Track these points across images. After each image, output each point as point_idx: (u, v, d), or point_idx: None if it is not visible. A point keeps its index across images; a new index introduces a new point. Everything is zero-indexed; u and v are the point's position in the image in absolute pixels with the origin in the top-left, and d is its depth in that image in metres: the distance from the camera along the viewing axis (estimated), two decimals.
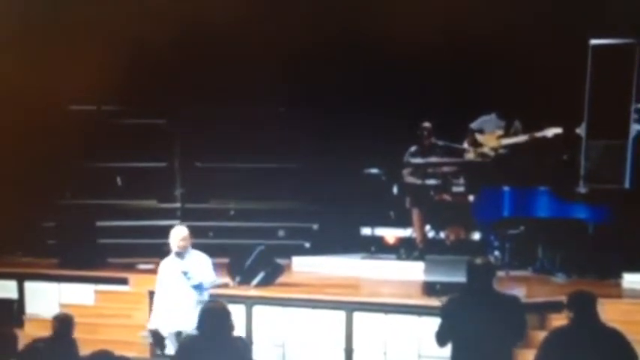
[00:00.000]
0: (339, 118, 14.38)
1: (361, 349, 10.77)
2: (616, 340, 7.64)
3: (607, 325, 7.75)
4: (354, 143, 13.99)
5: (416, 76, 13.93)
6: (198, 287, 10.10)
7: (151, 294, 11.48)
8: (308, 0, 14.04)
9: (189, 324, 9.63)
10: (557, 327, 7.99)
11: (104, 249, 13.75)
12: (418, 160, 13.34)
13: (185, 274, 10.05)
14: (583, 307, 7.72)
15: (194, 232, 15.14)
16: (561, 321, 10.13)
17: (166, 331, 10.08)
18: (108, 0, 14.22)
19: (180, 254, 10.16)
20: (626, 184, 12.35)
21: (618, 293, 11.40)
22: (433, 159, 13.32)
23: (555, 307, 10.51)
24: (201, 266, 10.15)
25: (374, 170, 13.69)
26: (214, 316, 7.42)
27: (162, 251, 14.74)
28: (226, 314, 7.44)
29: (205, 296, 10.09)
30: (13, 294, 13.14)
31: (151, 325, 10.26)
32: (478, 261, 8.10)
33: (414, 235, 13.45)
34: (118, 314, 12.32)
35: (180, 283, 10.11)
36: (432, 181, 13.29)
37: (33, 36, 13.98)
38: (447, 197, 13.29)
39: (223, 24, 13.60)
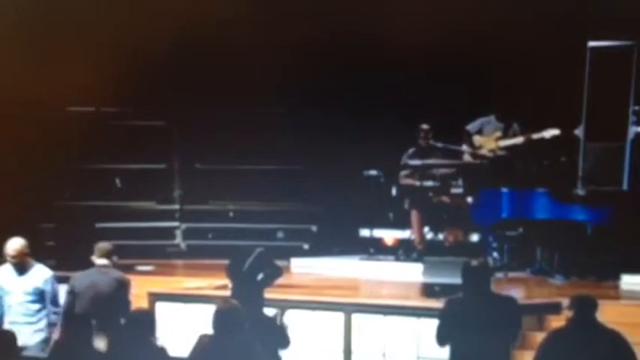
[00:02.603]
0: (338, 120, 14.39)
1: (360, 351, 10.78)
2: (614, 341, 7.66)
3: (606, 326, 7.77)
4: (353, 145, 14.01)
5: (415, 77, 13.95)
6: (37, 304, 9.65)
7: (150, 296, 11.51)
8: (308, 1, 14.06)
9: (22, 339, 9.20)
10: (555, 328, 8.01)
11: None
12: (416, 162, 13.36)
13: (26, 292, 9.61)
14: (582, 309, 7.75)
15: (193, 234, 15.32)
16: (560, 322, 10.18)
17: None
18: (108, 1, 14.24)
19: (17, 268, 9.63)
20: (624, 186, 12.37)
21: (616, 295, 11.43)
22: (431, 161, 13.34)
23: (554, 308, 10.54)
24: (39, 284, 9.68)
25: (373, 172, 13.71)
26: (228, 315, 7.47)
27: (162, 253, 14.85)
28: (240, 314, 7.48)
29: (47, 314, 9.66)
30: None
31: None
32: (474, 262, 8.13)
33: (413, 236, 13.46)
34: None
35: (16, 297, 9.66)
36: (430, 183, 13.31)
37: (32, 37, 13.99)
38: (445, 199, 13.31)
39: (223, 25, 13.62)
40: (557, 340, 7.83)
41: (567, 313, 7.81)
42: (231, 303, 7.71)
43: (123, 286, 9.68)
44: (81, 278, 9.76)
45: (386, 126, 13.84)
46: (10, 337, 7.78)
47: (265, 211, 15.20)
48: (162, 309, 11.40)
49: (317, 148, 14.54)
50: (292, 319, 10.06)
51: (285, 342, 8.56)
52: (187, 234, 15.39)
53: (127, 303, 9.68)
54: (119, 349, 7.67)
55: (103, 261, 9.72)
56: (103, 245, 9.80)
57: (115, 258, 9.81)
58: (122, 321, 9.24)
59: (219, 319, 7.48)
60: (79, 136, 14.84)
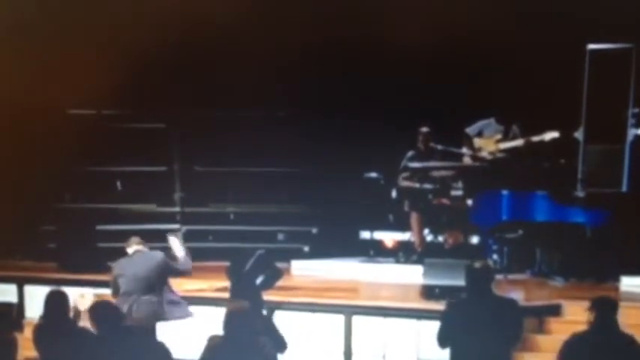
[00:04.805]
0: (338, 122, 14.41)
1: (360, 353, 10.80)
2: (633, 345, 7.66)
3: (624, 330, 7.78)
4: (354, 147, 14.03)
5: (415, 80, 13.97)
6: None
7: None
8: (308, 4, 14.07)
9: None
10: (577, 332, 7.97)
11: (104, 253, 13.76)
12: (416, 165, 13.38)
13: None
14: (603, 311, 7.74)
15: (194, 236, 15.33)
16: (559, 324, 10.21)
17: None
18: (108, 3, 14.25)
19: None
20: (624, 188, 12.39)
21: (616, 297, 11.42)
22: (432, 163, 13.36)
23: (553, 310, 10.56)
24: None
25: (373, 174, 13.73)
26: (239, 317, 7.53)
27: None
28: (251, 315, 7.54)
29: None
30: (12, 298, 13.16)
31: None
32: (477, 265, 8.14)
33: (413, 238, 13.48)
34: None
35: None
36: (430, 186, 13.33)
37: (32, 39, 14.01)
38: (445, 201, 13.32)
39: (223, 27, 13.63)
40: (578, 343, 7.79)
41: (589, 316, 7.77)
42: (243, 304, 7.78)
43: (163, 262, 10.45)
44: (123, 263, 10.55)
45: (386, 128, 13.85)
46: (12, 341, 7.81)
47: (265, 214, 15.21)
48: None
49: (317, 150, 14.56)
50: (291, 321, 10.11)
51: (282, 344, 8.59)
52: (188, 236, 15.36)
53: (174, 272, 10.55)
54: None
55: (139, 247, 10.57)
56: (134, 237, 10.69)
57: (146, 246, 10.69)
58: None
59: (231, 321, 7.54)
60: (80, 139, 14.86)
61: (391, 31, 13.28)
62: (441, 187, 13.29)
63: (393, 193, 13.51)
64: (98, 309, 7.89)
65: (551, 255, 12.61)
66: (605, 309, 7.77)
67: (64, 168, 14.97)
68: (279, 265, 12.12)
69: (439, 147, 13.33)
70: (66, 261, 13.60)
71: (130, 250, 10.65)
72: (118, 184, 15.40)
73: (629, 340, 7.71)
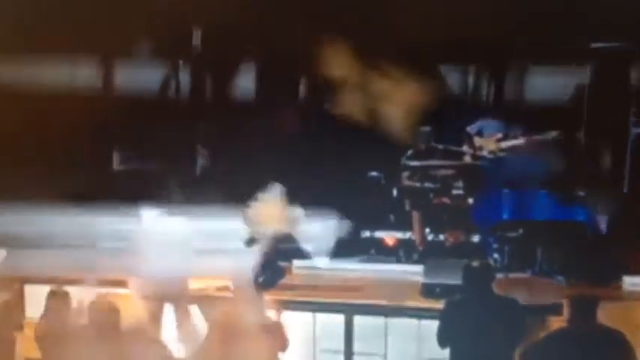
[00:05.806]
0: (339, 121, 14.38)
1: (361, 353, 10.78)
2: (614, 341, 7.65)
3: (606, 326, 7.76)
4: (354, 146, 14.01)
5: (415, 79, 13.95)
6: None
7: None
8: (308, 1, 14.07)
9: None
10: (554, 329, 8.00)
11: (104, 252, 13.76)
12: (417, 164, 13.37)
13: None
14: (580, 309, 7.74)
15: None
16: (560, 324, 10.18)
17: None
18: (108, 3, 14.27)
19: None
20: (625, 187, 12.40)
21: (618, 296, 11.43)
22: (432, 162, 13.35)
23: (555, 309, 10.53)
24: None
25: (374, 173, 13.72)
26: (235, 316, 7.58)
27: None
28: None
29: None
30: None
31: None
32: (477, 264, 8.15)
33: (414, 237, 13.48)
34: None
35: None
36: (431, 185, 13.33)
37: (33, 39, 14.01)
38: (446, 200, 13.32)
39: (223, 26, 13.64)
40: (554, 340, 7.81)
41: (566, 313, 7.80)
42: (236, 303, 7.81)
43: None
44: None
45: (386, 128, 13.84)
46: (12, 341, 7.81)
47: None
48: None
49: (318, 149, 14.54)
50: (291, 320, 10.08)
51: (284, 344, 8.60)
52: None
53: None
54: None
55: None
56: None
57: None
58: None
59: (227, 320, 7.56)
60: (80, 138, 14.85)
61: (391, 29, 13.28)
62: (441, 186, 13.29)
63: (394, 192, 13.52)
64: (96, 309, 7.92)
65: (552, 254, 12.60)
66: (583, 306, 7.77)
67: (64, 166, 14.95)
68: (281, 264, 12.14)
69: (439, 146, 13.33)
70: (66, 261, 13.58)
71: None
72: (118, 183, 15.38)
73: (609, 336, 7.70)
